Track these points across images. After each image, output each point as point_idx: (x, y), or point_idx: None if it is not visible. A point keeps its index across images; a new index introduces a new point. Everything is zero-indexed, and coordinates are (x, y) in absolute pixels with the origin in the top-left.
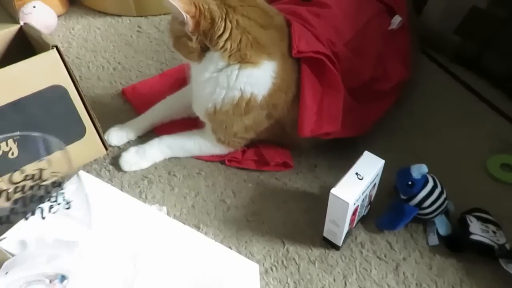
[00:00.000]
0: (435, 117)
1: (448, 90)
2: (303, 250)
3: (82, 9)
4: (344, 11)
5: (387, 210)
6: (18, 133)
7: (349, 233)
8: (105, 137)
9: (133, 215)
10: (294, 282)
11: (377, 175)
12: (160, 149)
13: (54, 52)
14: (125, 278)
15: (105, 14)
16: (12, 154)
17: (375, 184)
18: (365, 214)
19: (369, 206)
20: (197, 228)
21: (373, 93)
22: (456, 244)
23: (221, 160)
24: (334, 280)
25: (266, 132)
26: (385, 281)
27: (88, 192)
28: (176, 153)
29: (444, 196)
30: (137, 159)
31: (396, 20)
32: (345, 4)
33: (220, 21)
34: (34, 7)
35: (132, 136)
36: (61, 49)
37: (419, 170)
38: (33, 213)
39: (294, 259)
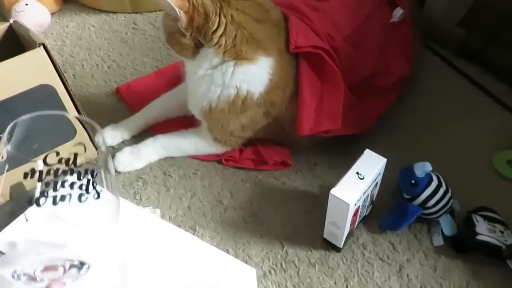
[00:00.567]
0: (438, 112)
1: (452, 84)
2: (302, 252)
3: (77, 6)
4: (344, 4)
5: (389, 210)
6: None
7: (350, 234)
8: (96, 139)
9: (124, 218)
10: (294, 286)
11: (379, 174)
12: (155, 149)
13: (41, 50)
14: (114, 286)
15: (100, 11)
16: (2, 158)
17: (377, 183)
18: (366, 214)
19: (371, 206)
20: (193, 230)
21: (374, 88)
22: (462, 245)
23: (218, 159)
24: (335, 284)
25: (264, 130)
26: (388, 284)
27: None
28: (171, 153)
29: (449, 195)
30: (131, 160)
31: (398, 12)
32: None
33: (214, 16)
34: (26, 4)
35: (126, 135)
36: (55, 47)
37: (422, 168)
38: (62, 199)
39: (293, 261)
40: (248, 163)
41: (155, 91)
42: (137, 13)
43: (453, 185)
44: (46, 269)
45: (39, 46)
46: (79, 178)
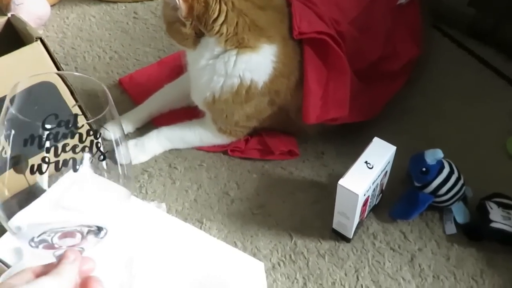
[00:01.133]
0: (449, 96)
1: (463, 66)
2: (311, 243)
3: None
4: None
5: (400, 198)
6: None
7: (360, 224)
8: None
9: (129, 214)
10: (303, 278)
11: (389, 162)
12: (159, 142)
13: (38, 44)
14: (121, 284)
15: (100, 1)
16: (5, 153)
17: (386, 172)
18: (376, 203)
19: (380, 194)
20: (200, 223)
21: (382, 73)
22: (476, 233)
23: (223, 150)
24: (346, 275)
25: (269, 120)
26: (399, 274)
27: None
28: (176, 145)
29: (461, 182)
30: (136, 153)
31: None
32: None
33: (215, 4)
34: None
35: (130, 128)
36: (56, 39)
37: (433, 155)
38: (65, 165)
39: (302, 253)
40: (254, 153)
41: (158, 81)
42: (137, 1)
43: (465, 171)
44: (64, 235)
45: (36, 41)
46: (81, 141)
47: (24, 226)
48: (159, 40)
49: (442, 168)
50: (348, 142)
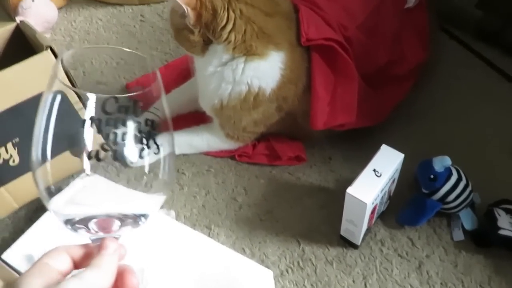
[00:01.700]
0: (457, 99)
1: (471, 69)
2: (319, 249)
3: (83, 0)
4: None
5: (408, 204)
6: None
7: (368, 230)
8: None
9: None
10: (311, 285)
11: (396, 170)
12: None
13: (48, 53)
14: None
15: (107, 3)
16: (13, 161)
17: (394, 179)
18: (384, 209)
19: (388, 201)
20: (209, 229)
21: (389, 77)
22: (484, 239)
23: (231, 155)
24: (354, 282)
25: (277, 125)
26: (407, 281)
27: None
28: (183, 150)
29: (469, 188)
30: None
31: None
32: None
33: (223, 12)
34: (33, 1)
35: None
36: (64, 43)
37: (441, 162)
38: (121, 156)
39: (310, 259)
40: (262, 158)
41: (165, 86)
42: (144, 4)
43: (473, 176)
44: (103, 222)
45: (46, 49)
46: (139, 131)
47: (65, 209)
48: (166, 43)
49: (450, 175)
50: (355, 146)
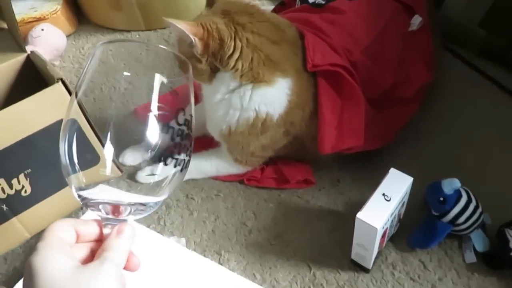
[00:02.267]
0: (463, 118)
1: (476, 88)
2: (330, 274)
3: (91, 27)
4: (360, 15)
5: (418, 227)
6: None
7: (378, 253)
8: (120, 158)
9: (150, 251)
10: None
11: (406, 193)
12: None
13: (59, 85)
14: None
15: (114, 30)
16: (25, 192)
17: (404, 202)
18: (394, 232)
19: (398, 224)
20: (219, 255)
21: (395, 100)
22: (496, 261)
23: (239, 179)
24: None
25: (285, 149)
26: None
27: None
28: (192, 175)
29: (479, 210)
30: None
31: (416, 20)
32: (360, 8)
33: (230, 41)
34: (42, 30)
35: (146, 156)
36: (72, 69)
37: (451, 185)
38: (178, 164)
39: (321, 284)
40: (270, 182)
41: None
42: (150, 30)
43: (482, 196)
44: (114, 208)
45: (57, 82)
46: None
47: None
48: (171, 68)
49: (459, 197)
50: (363, 168)
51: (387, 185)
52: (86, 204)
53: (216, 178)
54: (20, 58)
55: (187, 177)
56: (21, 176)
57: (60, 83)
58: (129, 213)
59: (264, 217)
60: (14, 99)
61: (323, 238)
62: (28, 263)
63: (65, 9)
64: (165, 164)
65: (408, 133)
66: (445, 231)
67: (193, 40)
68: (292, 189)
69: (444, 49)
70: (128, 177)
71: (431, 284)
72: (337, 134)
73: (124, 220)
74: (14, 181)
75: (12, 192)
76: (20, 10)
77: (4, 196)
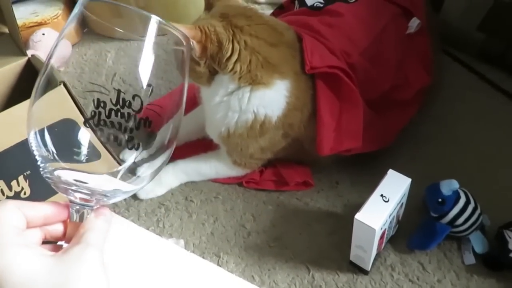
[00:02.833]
0: (462, 121)
1: (475, 91)
2: (329, 276)
3: (94, 36)
4: (358, 18)
5: (417, 228)
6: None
7: (377, 255)
8: (121, 156)
9: (149, 252)
10: None
11: (404, 194)
12: (175, 175)
13: (61, 88)
14: None
15: (115, 38)
16: (25, 193)
17: (402, 204)
18: (393, 234)
19: (397, 225)
20: (218, 257)
21: (394, 102)
22: (495, 263)
23: (238, 182)
24: None
25: (284, 151)
26: None
27: None
28: (192, 178)
29: (478, 211)
30: (152, 186)
31: (414, 23)
32: (358, 11)
33: (228, 43)
34: (43, 34)
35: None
36: (75, 74)
37: (449, 186)
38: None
39: (320, 286)
40: (269, 184)
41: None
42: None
43: (481, 198)
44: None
45: (60, 84)
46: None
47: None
48: (170, 72)
49: (458, 198)
50: (362, 171)
51: (385, 186)
52: (55, 184)
53: (215, 180)
54: (21, 61)
55: (186, 179)
56: (21, 178)
57: (62, 85)
58: (98, 201)
59: (263, 219)
60: (15, 103)
61: (322, 240)
62: None
63: (66, 14)
64: (129, 149)
65: (407, 136)
66: (444, 233)
67: (192, 43)
68: (291, 191)
69: (443, 53)
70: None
71: (430, 285)
72: (336, 136)
73: (92, 206)
74: (14, 183)
75: (11, 194)
76: (22, 15)
77: (3, 197)
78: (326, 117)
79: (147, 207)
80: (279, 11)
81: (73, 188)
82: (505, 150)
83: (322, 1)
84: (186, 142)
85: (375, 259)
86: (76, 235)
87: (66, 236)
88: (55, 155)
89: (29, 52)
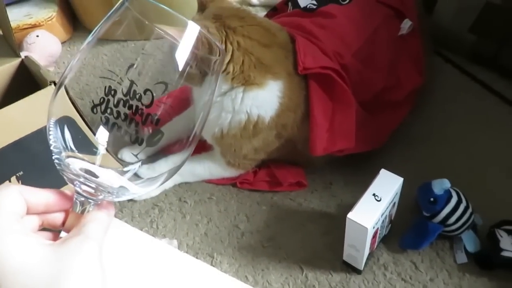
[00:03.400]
0: (454, 122)
1: (467, 92)
2: (322, 276)
3: (86, 33)
4: (351, 20)
5: (409, 228)
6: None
7: (370, 255)
8: (119, 155)
9: (142, 253)
10: None
11: (396, 194)
12: None
13: (52, 88)
14: None
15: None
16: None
17: (394, 203)
18: (386, 233)
19: (390, 225)
20: (211, 257)
21: (386, 103)
22: (487, 261)
23: (232, 182)
24: None
25: (277, 152)
26: None
27: None
28: (186, 179)
29: (470, 210)
30: None
31: (406, 24)
32: (351, 12)
33: (221, 44)
34: (37, 36)
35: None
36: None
37: (441, 185)
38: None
39: (314, 286)
40: (263, 185)
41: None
42: (146, 39)
43: (473, 198)
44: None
45: (50, 84)
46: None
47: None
48: (166, 74)
49: (450, 197)
50: (355, 171)
51: (377, 186)
52: (62, 171)
53: (209, 181)
54: (15, 63)
55: (180, 180)
56: (13, 179)
57: (53, 85)
58: (104, 197)
59: (256, 219)
60: (8, 104)
61: (315, 240)
62: None
63: (60, 16)
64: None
65: (399, 136)
66: (436, 232)
67: None
68: (285, 192)
69: (435, 54)
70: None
71: (422, 285)
72: (329, 136)
73: (97, 201)
74: (6, 183)
75: None
76: (16, 17)
77: None
78: (319, 117)
79: (141, 208)
80: (272, 12)
81: (81, 179)
82: (496, 150)
83: (315, 3)
84: None
85: (368, 259)
86: (77, 226)
87: (65, 226)
88: (71, 144)
89: (23, 54)
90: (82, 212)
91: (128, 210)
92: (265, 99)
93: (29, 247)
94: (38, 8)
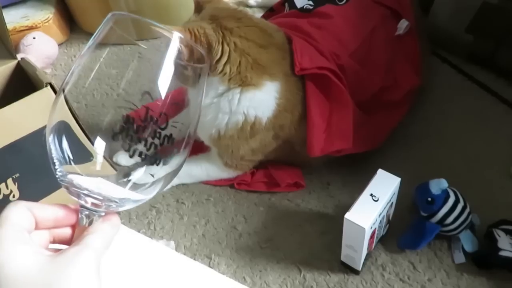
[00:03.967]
0: (451, 122)
1: (464, 92)
2: (320, 276)
3: (83, 35)
4: (347, 20)
5: (407, 228)
6: None
7: (368, 255)
8: (114, 159)
9: (140, 254)
10: None
11: (394, 194)
12: None
13: (48, 89)
14: None
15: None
16: (13, 196)
17: (392, 203)
18: (384, 234)
19: (387, 225)
20: (209, 258)
21: (384, 104)
22: (485, 261)
23: (230, 183)
24: None
25: (275, 153)
26: None
27: None
28: (183, 180)
29: (467, 210)
30: None
31: (403, 24)
32: (347, 13)
33: (217, 45)
34: (34, 38)
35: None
36: (64, 77)
37: (438, 185)
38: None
39: (311, 287)
40: (261, 186)
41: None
42: (142, 40)
43: (471, 198)
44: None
45: (46, 86)
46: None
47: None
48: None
49: (447, 197)
50: (353, 171)
51: (375, 186)
52: (67, 188)
53: (206, 182)
54: (11, 64)
55: (177, 182)
56: (9, 181)
57: (48, 87)
58: (108, 207)
59: (254, 220)
60: (3, 105)
61: (313, 241)
62: None
63: (57, 17)
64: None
65: (397, 136)
66: (434, 232)
67: (180, 47)
68: (283, 193)
69: (432, 54)
70: (124, 176)
71: (420, 285)
72: (326, 137)
73: (101, 212)
74: (2, 185)
75: (0, 197)
76: (12, 19)
77: None
78: (316, 118)
79: (138, 209)
80: (269, 13)
81: (85, 192)
82: (493, 149)
83: (312, 3)
84: None
85: (366, 259)
86: (79, 238)
87: (73, 241)
88: (69, 156)
89: (20, 56)
90: (89, 225)
91: (125, 212)
92: (262, 100)
93: (27, 255)
94: (34, 10)
